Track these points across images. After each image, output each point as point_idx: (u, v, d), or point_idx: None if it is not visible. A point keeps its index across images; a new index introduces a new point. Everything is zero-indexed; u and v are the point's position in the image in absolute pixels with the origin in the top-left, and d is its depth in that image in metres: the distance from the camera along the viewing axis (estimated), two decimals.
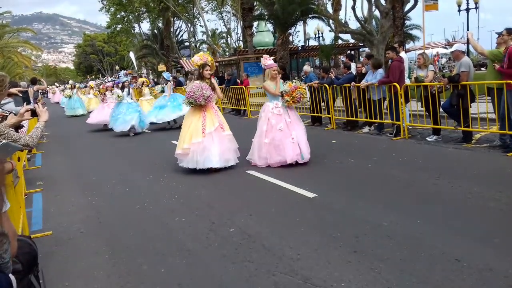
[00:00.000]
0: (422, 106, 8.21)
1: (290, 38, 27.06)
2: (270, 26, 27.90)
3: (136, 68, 46.59)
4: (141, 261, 3.66)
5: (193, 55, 35.84)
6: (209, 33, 34.08)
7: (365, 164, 6.50)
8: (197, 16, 35.39)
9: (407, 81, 9.12)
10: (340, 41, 28.05)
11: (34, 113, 3.83)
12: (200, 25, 49.26)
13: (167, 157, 8.37)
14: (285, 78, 13.44)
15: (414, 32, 31.88)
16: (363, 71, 9.83)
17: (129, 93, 12.24)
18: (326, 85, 10.11)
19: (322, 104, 10.66)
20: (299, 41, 37.60)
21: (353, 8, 18.26)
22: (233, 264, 3.45)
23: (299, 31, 46.99)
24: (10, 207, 1.88)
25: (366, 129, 9.56)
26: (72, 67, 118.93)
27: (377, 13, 18.40)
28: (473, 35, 7.84)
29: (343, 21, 19.68)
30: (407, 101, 8.60)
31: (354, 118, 9.88)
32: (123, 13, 36.59)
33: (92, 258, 3.83)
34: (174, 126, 12.61)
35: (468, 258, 3.21)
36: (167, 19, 35.43)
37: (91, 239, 4.33)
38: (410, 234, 3.75)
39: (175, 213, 4.86)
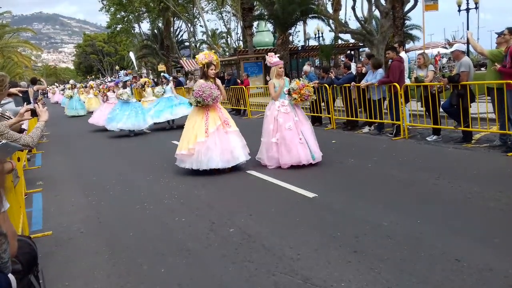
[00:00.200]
0: (422, 106, 8.22)
1: (290, 38, 27.07)
2: (270, 26, 27.90)
3: (136, 68, 46.60)
4: (141, 261, 3.66)
5: (193, 55, 35.87)
6: (209, 33, 34.09)
7: (365, 164, 6.50)
8: (197, 16, 35.38)
9: (407, 81, 9.13)
10: (340, 41, 28.05)
11: (34, 113, 3.83)
12: (200, 25, 49.32)
13: (167, 157, 8.37)
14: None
15: (414, 32, 31.93)
16: (363, 71, 9.84)
17: (132, 93, 12.26)
18: (326, 85, 10.11)
19: (322, 104, 10.67)
20: (299, 41, 37.60)
21: (353, 8, 18.26)
22: (233, 264, 3.45)
23: (299, 31, 46.97)
24: (10, 207, 1.88)
25: (366, 129, 9.56)
26: (72, 67, 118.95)
27: (377, 13, 18.41)
28: (473, 35, 7.83)
29: (343, 21, 19.65)
30: (407, 101, 8.60)
31: (354, 118, 9.88)
32: (123, 13, 36.57)
33: (92, 258, 3.83)
34: (173, 126, 12.62)
35: (468, 258, 3.21)
36: (167, 19, 35.43)
37: (91, 239, 4.33)
38: (410, 234, 3.75)
39: (175, 213, 4.86)
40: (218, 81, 6.70)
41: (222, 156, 6.33)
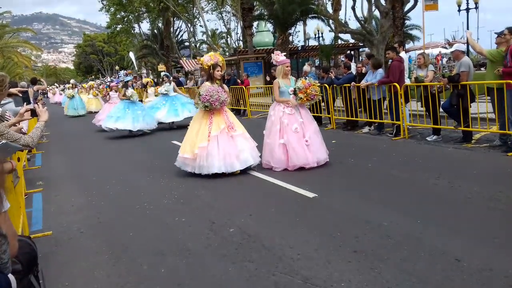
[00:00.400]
0: (422, 106, 8.22)
1: (290, 38, 27.03)
2: (270, 26, 27.87)
3: (136, 68, 46.60)
4: (141, 261, 3.66)
5: (193, 55, 35.89)
6: (209, 33, 34.06)
7: (365, 164, 6.50)
8: (197, 16, 35.36)
9: (407, 81, 9.13)
10: (340, 41, 28.04)
11: (34, 113, 3.83)
12: (200, 25, 49.25)
13: (167, 157, 8.37)
14: None
15: (414, 32, 31.93)
16: (363, 71, 9.84)
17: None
18: (326, 85, 10.11)
19: (322, 104, 10.66)
20: (299, 41, 37.56)
21: (353, 8, 18.28)
22: (233, 264, 3.45)
23: (299, 31, 46.96)
24: (10, 207, 1.88)
25: (366, 129, 9.56)
26: (72, 67, 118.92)
27: (377, 13, 18.41)
28: (472, 35, 7.83)
29: (343, 21, 19.66)
30: (407, 101, 8.60)
31: (354, 118, 9.88)
32: (123, 13, 36.54)
33: (92, 258, 3.83)
34: (173, 127, 12.61)
35: (468, 258, 3.21)
36: (167, 19, 35.41)
37: (91, 239, 4.33)
38: (410, 234, 3.75)
39: (175, 213, 4.86)
40: (225, 88, 6.54)
41: (224, 161, 6.16)
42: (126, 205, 5.36)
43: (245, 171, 6.39)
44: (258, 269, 3.32)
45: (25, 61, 47.25)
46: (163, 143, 10.22)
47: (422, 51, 12.39)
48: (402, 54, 9.61)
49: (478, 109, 8.18)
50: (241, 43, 35.03)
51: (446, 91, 7.62)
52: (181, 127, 12.47)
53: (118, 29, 38.61)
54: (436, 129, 7.98)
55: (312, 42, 33.20)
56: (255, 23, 27.59)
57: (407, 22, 24.87)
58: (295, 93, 6.44)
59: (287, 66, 6.56)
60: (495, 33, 7.01)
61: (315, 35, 32.09)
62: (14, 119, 4.06)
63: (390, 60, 8.93)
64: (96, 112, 20.80)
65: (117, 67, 63.82)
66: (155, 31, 38.72)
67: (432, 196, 4.76)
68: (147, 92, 14.48)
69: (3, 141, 2.36)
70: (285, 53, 6.92)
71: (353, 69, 10.71)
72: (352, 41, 25.60)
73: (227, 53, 38.15)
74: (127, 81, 12.48)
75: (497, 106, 6.77)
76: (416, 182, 5.39)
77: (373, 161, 6.66)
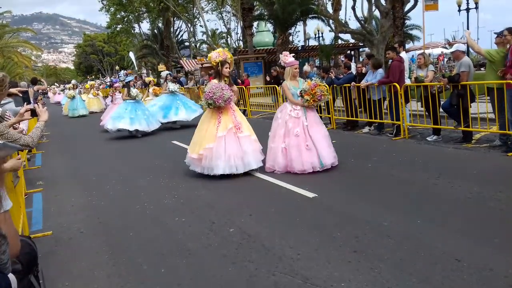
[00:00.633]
0: (422, 106, 8.22)
1: (290, 38, 27.04)
2: (270, 26, 27.90)
3: (136, 68, 46.58)
4: (141, 261, 3.66)
5: (193, 55, 35.86)
6: (209, 33, 34.06)
7: (365, 164, 6.50)
8: (197, 16, 35.37)
9: (408, 81, 9.12)
10: (340, 41, 28.05)
11: (34, 113, 3.83)
12: (200, 25, 49.30)
13: (167, 157, 8.38)
14: None
15: (414, 32, 31.94)
16: (363, 71, 9.84)
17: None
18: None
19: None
20: (299, 41, 37.60)
21: (353, 8, 18.26)
22: (233, 264, 3.45)
23: (299, 31, 46.98)
24: (10, 207, 1.88)
25: (366, 129, 9.56)
26: (72, 67, 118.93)
27: (377, 13, 18.41)
28: (471, 34, 7.82)
29: (343, 21, 19.65)
30: (407, 101, 8.60)
31: (354, 118, 9.88)
32: (123, 13, 36.53)
33: (92, 258, 3.83)
34: (174, 127, 12.61)
35: (468, 258, 3.21)
36: (167, 19, 35.41)
37: (91, 239, 4.33)
38: (410, 234, 3.75)
39: (175, 213, 4.86)
40: (234, 87, 6.42)
41: (228, 162, 6.05)
42: (126, 205, 5.36)
43: (246, 172, 6.39)
44: (258, 269, 3.32)
45: (25, 61, 47.25)
46: (163, 143, 10.22)
47: (422, 51, 12.40)
48: (403, 54, 9.60)
49: (478, 109, 8.18)
50: (241, 43, 35.02)
51: (446, 91, 7.62)
52: (182, 127, 12.50)
53: (118, 29, 38.59)
54: (436, 129, 7.98)
55: (312, 42, 33.22)
56: (255, 23, 27.59)
57: (407, 22, 24.88)
58: (301, 95, 6.28)
59: (295, 68, 6.41)
60: (495, 33, 7.03)
61: (315, 35, 32.11)
62: (14, 119, 4.06)
63: (390, 60, 8.92)
64: (98, 112, 20.87)
65: (117, 67, 63.83)
66: (155, 31, 38.72)
67: (432, 196, 4.76)
68: (148, 91, 14.45)
69: (0, 142, 2.35)
70: (293, 54, 6.81)
71: (353, 69, 10.71)
72: (352, 41, 25.61)
73: None
74: (129, 81, 12.46)
75: (497, 106, 6.77)
76: (416, 182, 5.39)
77: (373, 161, 6.66)
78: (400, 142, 8.19)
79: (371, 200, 4.79)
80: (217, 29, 50.85)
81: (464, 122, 7.26)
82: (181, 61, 34.70)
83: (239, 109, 6.91)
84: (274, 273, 3.24)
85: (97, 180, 6.89)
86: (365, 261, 3.30)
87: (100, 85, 31.62)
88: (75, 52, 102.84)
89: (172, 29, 37.22)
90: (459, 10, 24.60)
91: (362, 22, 17.88)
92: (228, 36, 38.28)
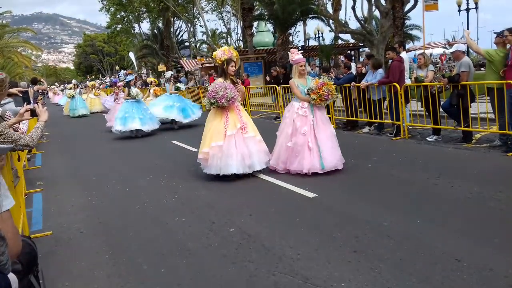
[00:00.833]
0: (422, 106, 8.22)
1: (290, 38, 27.02)
2: (270, 26, 27.88)
3: (136, 68, 46.59)
4: (141, 261, 3.66)
5: (193, 55, 35.79)
6: (209, 33, 34.05)
7: (365, 164, 6.50)
8: (197, 16, 35.34)
9: (408, 81, 9.12)
10: (340, 41, 28.05)
11: (33, 113, 3.83)
12: (200, 25, 49.27)
13: (168, 157, 8.39)
14: (287, 77, 13.47)
15: (414, 32, 31.95)
16: (363, 71, 9.84)
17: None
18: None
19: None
20: (299, 41, 37.56)
21: (353, 8, 18.24)
22: (233, 264, 3.45)
23: (299, 31, 46.94)
24: (11, 206, 1.87)
25: (366, 129, 9.56)
26: (72, 67, 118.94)
27: (377, 13, 18.39)
28: (470, 34, 7.82)
29: (343, 21, 19.63)
30: (407, 101, 8.60)
31: (354, 118, 9.88)
32: (123, 13, 36.52)
33: (92, 258, 3.83)
34: (175, 127, 12.58)
35: (468, 258, 3.21)
36: (167, 19, 35.41)
37: (91, 239, 4.33)
38: (410, 234, 3.75)
39: (175, 213, 4.86)
40: (240, 86, 6.27)
41: (242, 161, 5.92)
42: (126, 205, 5.36)
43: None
44: (258, 269, 3.32)
45: (25, 61, 47.27)
46: (163, 143, 10.22)
47: (422, 51, 12.40)
48: (404, 54, 9.60)
49: (478, 109, 8.18)
50: (241, 43, 35.02)
51: (446, 91, 7.62)
52: (182, 127, 12.49)
53: (118, 29, 38.59)
54: (436, 129, 7.98)
55: (312, 42, 33.22)
56: (255, 23, 27.59)
57: (407, 22, 24.87)
58: (309, 94, 6.14)
59: (301, 66, 6.25)
60: (495, 32, 7.03)
61: (315, 35, 32.11)
62: (14, 119, 4.06)
63: (390, 60, 8.92)
64: (100, 112, 20.87)
65: (117, 67, 63.84)
66: (155, 31, 38.71)
67: (432, 196, 4.76)
68: (149, 91, 14.42)
69: None
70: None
71: (353, 69, 10.71)
72: (352, 41, 25.61)
73: None
74: (129, 81, 12.44)
75: (497, 106, 6.77)
76: (416, 182, 5.39)
77: (373, 161, 6.66)
78: (400, 142, 8.19)
79: (371, 200, 4.79)
80: (217, 29, 50.88)
81: (464, 122, 7.26)
82: (181, 61, 34.69)
83: None
84: (274, 273, 3.24)
85: (97, 180, 6.89)
86: (365, 261, 3.30)
87: (100, 85, 31.61)
88: (75, 52, 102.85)
89: (172, 29, 37.22)
90: (459, 10, 24.60)
91: (362, 22, 17.86)
92: (228, 36, 38.31)
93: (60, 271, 3.60)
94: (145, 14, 37.72)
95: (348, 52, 21.91)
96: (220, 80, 6.14)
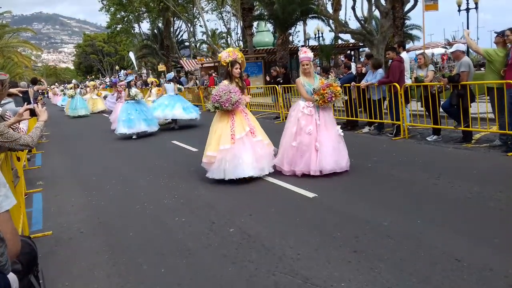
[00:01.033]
0: (422, 106, 8.22)
1: (290, 38, 27.05)
2: (270, 26, 27.88)
3: (136, 68, 46.59)
4: (141, 261, 3.66)
5: (193, 55, 35.77)
6: (209, 33, 34.05)
7: (365, 164, 6.50)
8: (197, 16, 35.36)
9: (409, 81, 9.12)
10: (340, 41, 28.07)
11: (33, 113, 3.83)
12: (200, 25, 49.25)
13: (168, 157, 8.39)
14: (287, 77, 13.48)
15: (414, 32, 31.99)
16: (363, 71, 9.84)
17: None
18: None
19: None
20: (299, 41, 37.64)
21: (353, 8, 18.25)
22: (233, 264, 3.45)
23: (299, 31, 46.96)
24: (12, 205, 1.87)
25: (366, 129, 9.56)
26: (72, 67, 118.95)
27: (377, 13, 18.40)
28: (470, 33, 7.82)
29: (343, 21, 19.64)
30: (407, 101, 8.59)
31: (354, 118, 9.88)
32: (123, 13, 36.53)
33: (92, 258, 3.83)
34: (175, 127, 12.57)
35: (468, 258, 3.21)
36: (167, 19, 35.42)
37: (91, 239, 4.33)
38: (410, 234, 3.75)
39: (175, 213, 4.86)
40: (246, 97, 6.09)
41: (255, 164, 5.79)
42: (126, 205, 5.36)
43: None
44: (258, 269, 3.32)
45: (25, 61, 47.27)
46: (163, 143, 10.22)
47: (422, 51, 12.40)
48: (404, 54, 9.60)
49: (478, 109, 8.18)
50: (241, 43, 35.02)
51: (446, 91, 7.62)
52: (182, 127, 12.49)
53: (118, 29, 38.60)
54: (436, 129, 7.98)
55: (312, 42, 33.24)
56: (255, 23, 27.61)
57: (407, 22, 24.90)
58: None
59: (304, 65, 6.11)
60: (495, 32, 7.03)
61: (315, 35, 32.12)
62: (13, 119, 4.06)
63: (390, 60, 8.92)
64: (100, 112, 20.86)
65: (117, 67, 63.85)
66: (155, 31, 38.73)
67: (432, 196, 4.76)
68: (151, 91, 14.40)
69: None
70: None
71: (353, 69, 10.71)
72: (352, 41, 25.62)
73: None
74: (129, 81, 12.42)
75: (496, 106, 6.77)
76: (416, 182, 5.39)
77: (373, 161, 6.66)
78: (400, 142, 8.19)
79: (371, 200, 4.79)
80: (217, 29, 50.91)
81: (464, 122, 7.26)
82: (181, 61, 34.72)
83: None
84: (274, 273, 3.24)
85: (97, 180, 6.89)
86: (365, 261, 3.30)
87: (100, 85, 31.60)
88: (75, 52, 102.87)
89: (172, 29, 37.23)
90: (459, 10, 24.61)
91: (362, 22, 17.87)
92: (228, 36, 38.29)
93: (60, 271, 3.60)
94: (145, 14, 37.74)
95: (348, 52, 21.91)
96: (225, 82, 6.02)
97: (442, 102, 7.80)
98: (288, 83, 12.99)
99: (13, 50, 42.99)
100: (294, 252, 3.56)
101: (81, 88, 25.50)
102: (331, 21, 21.80)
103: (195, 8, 34.35)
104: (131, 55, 36.20)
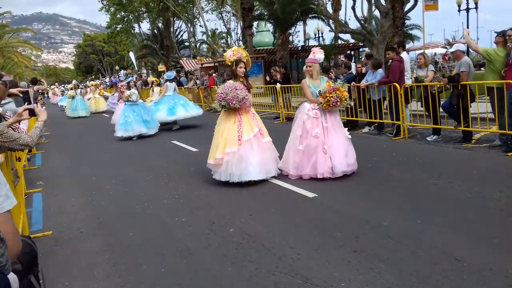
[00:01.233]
0: (422, 106, 8.22)
1: (290, 38, 27.02)
2: (270, 26, 27.85)
3: (136, 68, 46.61)
4: (141, 261, 3.66)
5: (193, 55, 35.76)
6: (209, 33, 34.05)
7: (365, 164, 6.49)
8: (197, 16, 35.36)
9: (409, 81, 9.12)
10: (340, 41, 28.05)
11: (32, 113, 3.83)
12: (200, 25, 49.24)
13: (168, 157, 8.39)
14: (286, 77, 13.48)
15: (414, 32, 31.95)
16: (363, 71, 9.84)
17: (138, 93, 12.08)
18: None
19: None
20: (299, 41, 37.59)
21: (353, 8, 18.25)
22: (233, 264, 3.45)
23: (299, 31, 46.96)
24: (13, 206, 1.87)
25: (366, 129, 9.56)
26: (72, 67, 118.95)
27: (377, 13, 18.39)
28: (469, 33, 7.82)
29: (343, 21, 19.63)
30: (407, 101, 8.59)
31: (354, 118, 9.88)
32: (123, 13, 36.54)
33: (92, 258, 3.83)
34: (175, 128, 12.56)
35: (468, 258, 3.21)
36: (167, 19, 35.42)
37: (91, 239, 4.33)
38: (410, 234, 3.75)
39: (175, 213, 4.86)
40: (250, 96, 5.93)
41: (263, 167, 5.68)
42: (126, 205, 5.36)
43: None
44: (258, 269, 3.32)
45: (25, 61, 47.29)
46: (163, 144, 10.22)
47: (422, 51, 12.40)
48: (404, 54, 9.60)
49: (478, 109, 8.18)
50: (241, 43, 35.01)
51: (446, 91, 7.62)
52: (182, 127, 12.49)
53: (118, 29, 38.59)
54: (436, 129, 7.98)
55: (312, 42, 33.20)
56: (255, 23, 27.58)
57: (407, 22, 24.86)
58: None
59: (307, 66, 6.01)
60: (495, 32, 7.03)
61: (315, 35, 32.09)
62: (12, 119, 4.05)
63: (390, 60, 8.92)
64: (101, 112, 20.84)
65: (117, 67, 63.89)
66: (155, 31, 38.72)
67: (432, 196, 4.76)
68: (152, 91, 14.38)
69: None
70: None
71: (353, 69, 10.71)
72: (352, 41, 25.60)
73: None
74: (128, 82, 12.40)
75: (496, 106, 6.77)
76: (416, 182, 5.39)
77: (373, 161, 6.66)
78: (400, 142, 8.19)
79: (371, 200, 4.79)
80: (217, 29, 50.88)
81: (464, 122, 7.26)
82: (181, 61, 34.71)
83: None
84: (274, 273, 3.24)
85: (97, 180, 6.89)
86: (365, 261, 3.30)
87: (100, 85, 31.59)
88: (75, 52, 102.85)
89: (172, 29, 37.23)
90: (459, 10, 24.60)
91: (362, 22, 17.87)
92: (228, 36, 38.28)
93: (60, 271, 3.60)
94: (145, 14, 37.74)
95: (348, 52, 21.91)
96: (230, 82, 5.90)
97: (442, 102, 7.80)
98: (288, 83, 12.99)
99: (13, 50, 43.03)
100: (294, 252, 3.56)
101: (81, 89, 25.49)
102: (331, 21, 21.80)
103: (195, 8, 34.36)
104: (131, 55, 36.24)
